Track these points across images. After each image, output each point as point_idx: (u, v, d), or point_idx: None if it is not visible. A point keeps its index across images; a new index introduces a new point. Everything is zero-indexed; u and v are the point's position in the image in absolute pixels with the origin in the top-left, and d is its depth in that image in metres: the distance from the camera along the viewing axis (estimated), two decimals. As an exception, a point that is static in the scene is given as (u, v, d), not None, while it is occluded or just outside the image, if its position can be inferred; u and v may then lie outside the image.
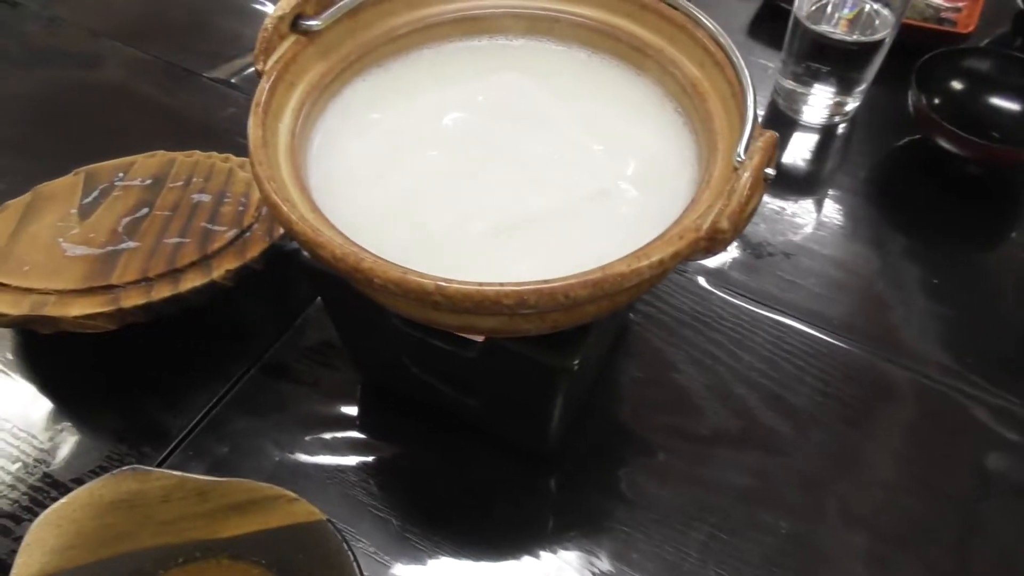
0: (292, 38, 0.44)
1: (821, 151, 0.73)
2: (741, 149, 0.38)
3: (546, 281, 0.34)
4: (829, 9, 0.69)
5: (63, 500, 0.42)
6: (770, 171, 0.37)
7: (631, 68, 0.48)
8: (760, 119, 0.50)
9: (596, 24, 0.49)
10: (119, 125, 0.74)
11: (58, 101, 0.76)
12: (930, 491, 0.51)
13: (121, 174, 0.61)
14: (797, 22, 0.69)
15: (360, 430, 0.53)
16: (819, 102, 0.73)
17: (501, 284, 0.34)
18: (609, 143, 0.45)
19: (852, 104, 0.73)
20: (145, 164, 0.63)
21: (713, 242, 0.36)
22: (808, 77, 0.71)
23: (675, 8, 0.45)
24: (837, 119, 0.74)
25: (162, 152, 0.64)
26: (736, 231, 0.36)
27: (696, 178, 0.42)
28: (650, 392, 0.56)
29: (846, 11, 0.69)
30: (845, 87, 0.71)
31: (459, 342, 0.44)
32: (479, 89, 0.48)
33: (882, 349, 0.58)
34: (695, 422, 0.54)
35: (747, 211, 0.36)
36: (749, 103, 0.40)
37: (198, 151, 0.64)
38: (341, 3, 0.45)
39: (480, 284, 0.34)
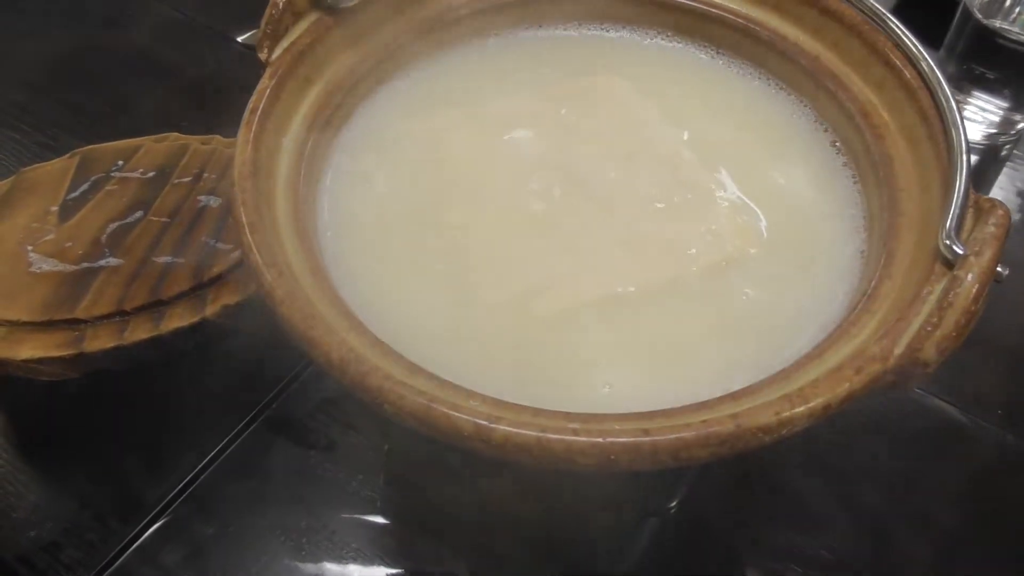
0: (313, 16, 0.33)
1: (978, 176, 0.59)
2: (951, 227, 0.25)
3: (644, 431, 0.22)
4: (1009, 1, 0.55)
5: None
6: (1002, 270, 0.24)
7: (773, 80, 0.35)
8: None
9: (724, 15, 0.36)
10: (135, 96, 0.63)
11: (71, 65, 0.66)
12: None
13: (121, 162, 0.51)
14: (967, 13, 0.55)
15: (384, 515, 0.42)
16: (982, 115, 0.58)
17: (573, 431, 0.22)
18: (737, 187, 0.32)
19: (1023, 123, 0.58)
20: (152, 150, 0.52)
21: (905, 377, 0.24)
22: (971, 83, 0.58)
23: (847, 2, 0.32)
24: (1002, 139, 0.60)
25: (175, 135, 0.54)
26: (940, 364, 0.23)
27: (864, 251, 0.29)
28: (756, 498, 0.43)
29: (1034, 5, 0.54)
30: (1018, 101, 0.57)
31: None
32: (560, 97, 0.35)
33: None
34: (814, 541, 0.41)
35: (965, 335, 0.23)
36: (960, 156, 0.27)
37: (218, 136, 0.53)
38: (382, -30, 0.33)
39: (542, 431, 0.22)
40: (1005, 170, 0.61)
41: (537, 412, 0.23)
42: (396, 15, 0.35)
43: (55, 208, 0.47)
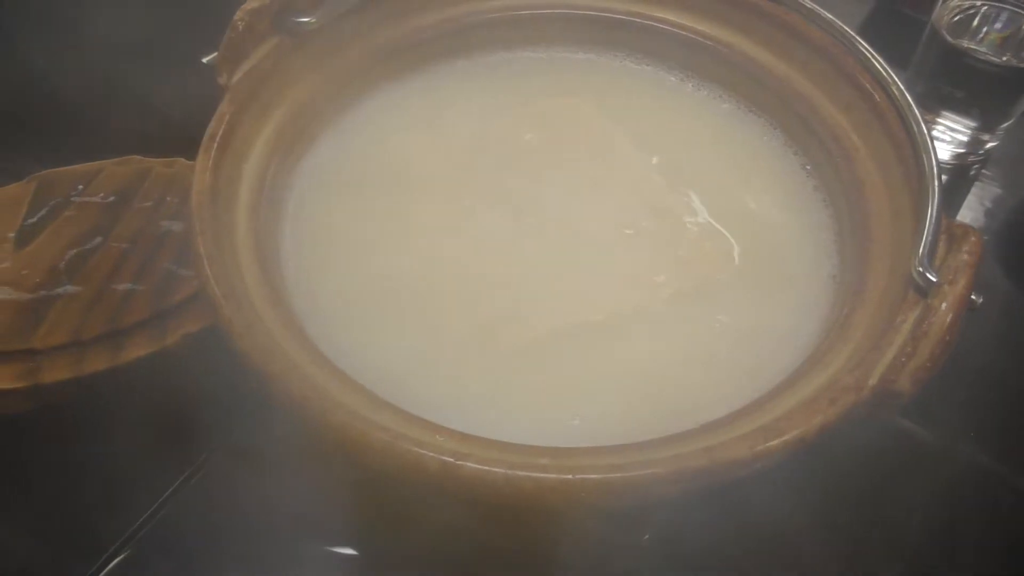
0: (274, 39, 0.32)
1: (947, 195, 0.59)
2: (924, 255, 0.25)
3: (615, 467, 0.21)
4: (976, 21, 0.55)
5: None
6: (976, 298, 0.24)
7: (742, 102, 0.35)
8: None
9: (693, 37, 0.36)
10: (96, 118, 0.62)
11: (30, 85, 0.64)
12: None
13: (81, 186, 0.50)
14: (934, 33, 0.55)
15: (358, 548, 0.41)
16: (950, 135, 0.59)
17: (542, 467, 0.21)
18: (706, 211, 0.32)
19: (991, 143, 0.59)
20: (113, 173, 0.51)
21: (879, 408, 0.23)
22: (939, 103, 0.58)
23: (812, 23, 0.32)
24: (971, 159, 0.60)
25: (137, 158, 0.53)
26: (915, 394, 0.23)
27: (836, 276, 0.29)
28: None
29: (998, 26, 0.54)
30: (986, 121, 0.57)
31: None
32: (527, 120, 0.35)
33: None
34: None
35: (940, 363, 0.23)
36: (933, 183, 0.26)
37: (182, 159, 0.52)
38: (344, -8, 0.32)
39: (509, 467, 0.21)
40: (973, 189, 0.61)
41: (504, 447, 0.22)
42: (360, 38, 0.34)
43: (11, 235, 0.46)
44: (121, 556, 0.40)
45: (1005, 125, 0.57)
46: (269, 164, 0.30)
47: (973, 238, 0.24)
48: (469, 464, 0.21)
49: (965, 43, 0.55)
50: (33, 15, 0.71)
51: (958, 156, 0.60)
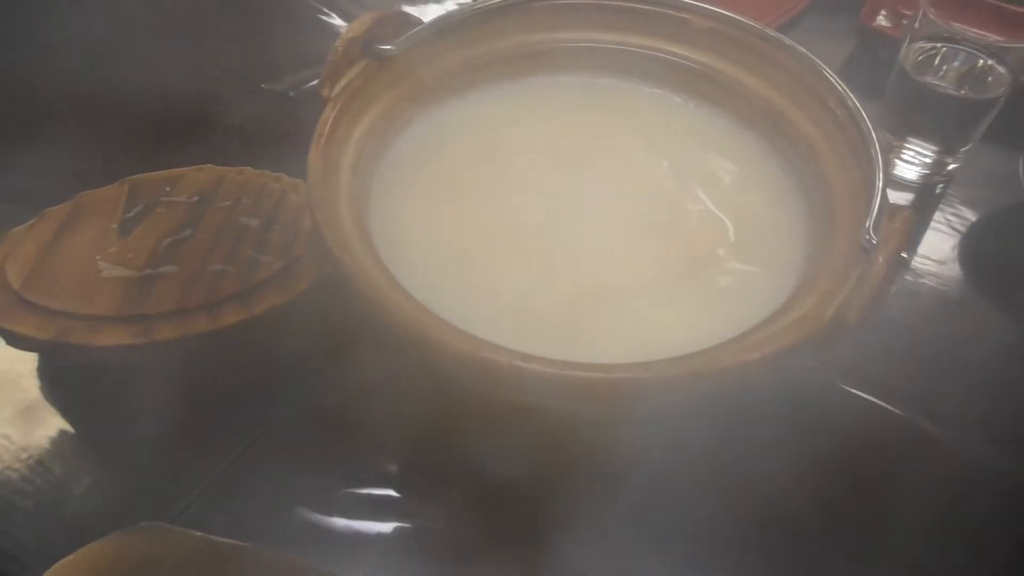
0: (363, 62, 0.40)
1: (916, 210, 0.67)
2: (870, 226, 0.33)
3: (643, 366, 0.29)
4: (938, 60, 0.64)
5: (70, 558, 0.38)
6: (906, 255, 0.32)
7: (733, 118, 0.43)
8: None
9: (695, 66, 0.44)
10: (171, 132, 0.70)
11: (110, 105, 0.72)
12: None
13: (167, 188, 0.57)
14: (901, 71, 0.63)
15: (400, 491, 0.48)
16: (918, 159, 0.67)
17: (589, 369, 0.29)
18: (706, 202, 0.40)
19: (953, 165, 0.67)
20: (193, 179, 0.59)
21: (834, 335, 0.31)
22: (907, 130, 0.66)
23: (791, 56, 0.40)
24: (936, 179, 0.68)
25: (211, 167, 0.60)
26: (863, 325, 0.31)
27: (809, 254, 0.37)
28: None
29: (956, 64, 0.63)
30: (948, 146, 0.65)
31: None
32: (563, 130, 0.43)
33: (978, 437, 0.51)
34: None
35: (879, 302, 0.31)
36: (878, 174, 0.35)
37: (249, 168, 0.60)
38: (419, 28, 0.41)
39: (564, 366, 0.29)
40: (940, 206, 0.69)
41: (555, 360, 0.30)
42: (428, 63, 0.43)
43: (115, 226, 0.54)
44: (206, 493, 0.47)
45: (965, 149, 0.65)
46: (360, 155, 0.38)
47: (905, 214, 0.32)
48: (533, 366, 0.29)
49: (928, 79, 0.63)
50: (126, 53, 0.80)
51: (925, 176, 0.68)
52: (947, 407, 0.52)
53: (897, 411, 0.52)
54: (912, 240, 0.33)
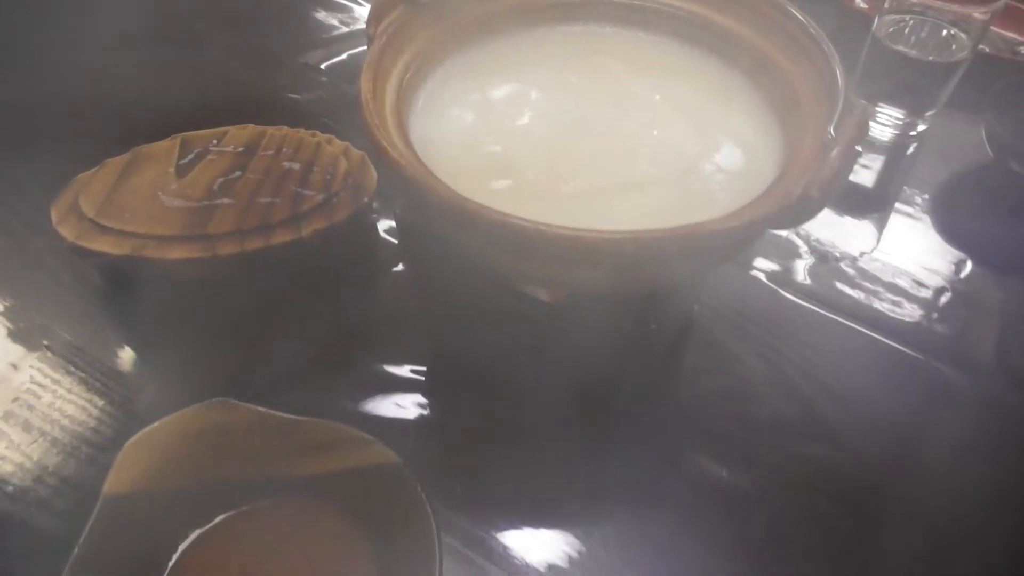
0: (402, 7, 0.47)
1: (889, 169, 0.74)
2: (831, 128, 0.39)
3: (642, 231, 0.36)
4: (907, 31, 0.71)
5: (155, 424, 0.44)
6: (859, 148, 0.39)
7: (720, 57, 0.50)
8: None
9: (686, 14, 0.51)
10: (212, 102, 0.77)
11: (156, 79, 0.79)
12: (990, 497, 0.51)
13: (215, 141, 0.64)
14: (875, 40, 0.70)
15: (427, 395, 0.54)
16: (891, 120, 0.74)
17: (599, 233, 0.36)
18: (698, 126, 0.47)
19: (922, 126, 0.74)
20: (237, 134, 0.65)
21: (802, 210, 0.38)
22: (881, 95, 0.73)
23: (770, 5, 0.47)
24: (907, 140, 0.75)
25: (253, 125, 0.67)
26: (824, 200, 0.37)
27: (781, 155, 0.44)
28: (712, 380, 0.57)
29: (923, 33, 0.70)
30: (917, 107, 0.72)
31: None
32: (571, 70, 0.50)
33: (945, 358, 0.58)
34: (756, 410, 0.54)
35: (837, 181, 0.38)
36: (839, 88, 0.41)
37: (286, 126, 0.67)
38: (448, -20, 0.48)
39: (578, 230, 0.36)
40: (911, 164, 0.75)
41: (572, 228, 0.36)
42: (455, 12, 0.49)
43: (171, 170, 0.60)
44: (264, 394, 0.53)
45: (932, 112, 0.72)
46: (400, 86, 0.45)
47: (859, 119, 0.39)
48: (553, 229, 0.36)
49: (899, 47, 0.70)
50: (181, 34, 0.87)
51: (897, 137, 0.75)
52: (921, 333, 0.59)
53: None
54: (864, 136, 0.39)
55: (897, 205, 0.71)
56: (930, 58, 0.69)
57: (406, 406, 0.53)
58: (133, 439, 0.43)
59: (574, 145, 0.45)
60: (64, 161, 0.62)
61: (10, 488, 0.48)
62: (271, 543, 0.44)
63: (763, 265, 0.63)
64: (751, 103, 0.47)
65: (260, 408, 0.45)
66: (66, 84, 0.78)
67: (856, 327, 0.60)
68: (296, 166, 0.61)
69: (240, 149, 0.63)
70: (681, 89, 0.49)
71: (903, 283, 0.64)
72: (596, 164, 0.44)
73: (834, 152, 0.37)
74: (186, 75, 0.80)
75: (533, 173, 0.43)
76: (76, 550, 0.40)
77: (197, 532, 0.44)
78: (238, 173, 0.60)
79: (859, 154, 0.38)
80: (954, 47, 0.69)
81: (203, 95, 0.78)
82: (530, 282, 0.43)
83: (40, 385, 0.53)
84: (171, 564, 0.42)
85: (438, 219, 0.39)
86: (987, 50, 0.79)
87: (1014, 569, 0.48)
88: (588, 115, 0.47)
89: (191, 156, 0.62)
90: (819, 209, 0.38)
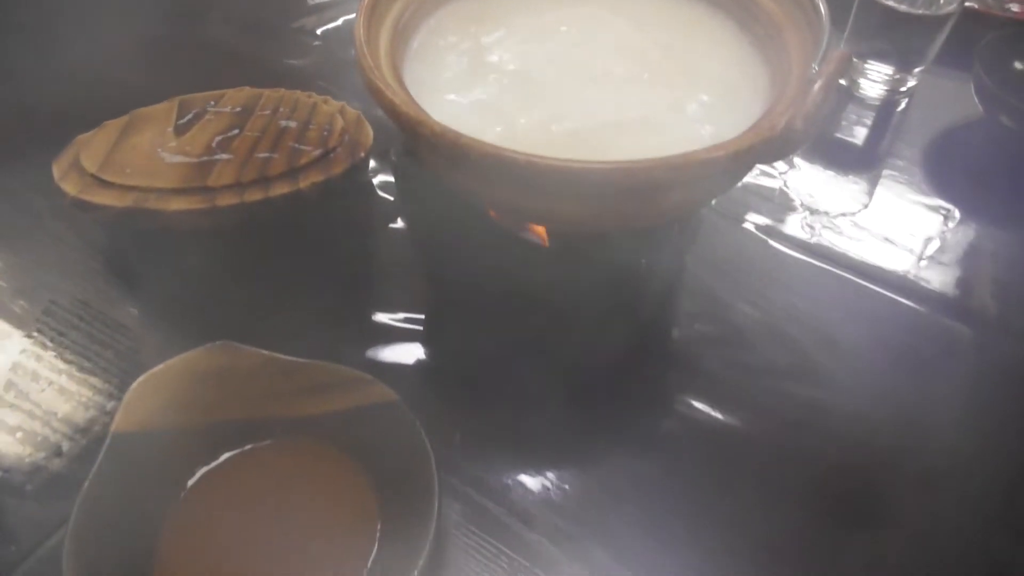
0: (394, -40, 0.48)
1: (879, 125, 0.75)
2: (815, 64, 0.40)
3: (631, 161, 0.37)
4: (897, -13, 0.71)
5: (160, 366, 0.45)
6: (843, 81, 0.39)
7: (711, 5, 0.51)
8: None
9: (675, -36, 0.52)
10: (208, 69, 0.78)
11: (152, 47, 0.80)
12: (983, 441, 0.52)
13: (212, 102, 0.65)
14: (864, -4, 0.71)
15: (425, 341, 0.55)
16: (881, 77, 0.74)
17: (589, 162, 0.37)
18: (687, 69, 0.48)
19: (912, 82, 0.75)
20: (234, 96, 0.66)
21: (786, 141, 0.39)
22: (871, 53, 0.73)
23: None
24: (897, 96, 0.76)
25: (249, 88, 0.68)
26: (808, 131, 0.38)
27: (768, 92, 0.45)
28: (703, 326, 0.58)
29: (913, -13, 0.71)
30: (907, 62, 0.73)
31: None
32: (561, 18, 0.51)
33: (933, 304, 0.59)
34: (746, 354, 0.56)
35: (820, 112, 0.38)
36: (824, 27, 0.42)
37: (283, 88, 0.68)
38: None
39: (568, 161, 0.36)
40: (902, 120, 0.76)
41: (562, 159, 0.37)
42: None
43: (170, 129, 0.61)
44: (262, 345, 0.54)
45: (921, 68, 0.73)
46: (396, 27, 0.46)
47: (841, 53, 0.40)
48: (545, 160, 0.36)
49: (888, 2, 0.71)
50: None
51: (887, 93, 0.75)
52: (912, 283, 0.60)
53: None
54: (847, 69, 0.40)
55: (888, 160, 0.72)
56: (919, 12, 0.70)
57: (405, 351, 0.54)
58: (140, 379, 0.45)
59: (565, 90, 0.46)
60: (63, 126, 0.63)
61: (19, 434, 0.49)
62: (274, 480, 0.45)
63: (755, 219, 0.64)
64: (739, 45, 0.48)
65: (262, 351, 0.46)
66: (65, 53, 0.79)
67: (845, 275, 0.61)
68: (293, 124, 0.62)
69: (237, 109, 0.64)
70: (669, 34, 0.50)
71: (892, 235, 0.65)
72: (586, 107, 0.44)
73: (816, 85, 0.38)
74: (182, 43, 0.81)
75: (524, 119, 0.44)
76: (85, 485, 0.41)
77: (203, 470, 0.45)
78: (236, 131, 0.61)
79: (845, 91, 0.39)
80: (942, 1, 0.70)
81: (199, 63, 0.79)
82: (522, 218, 0.44)
83: (47, 337, 0.54)
84: (179, 499, 0.43)
85: (432, 157, 0.40)
86: (975, 6, 0.80)
87: (997, 501, 0.49)
88: (578, 61, 0.47)
89: (189, 116, 0.63)
90: (804, 141, 0.39)
